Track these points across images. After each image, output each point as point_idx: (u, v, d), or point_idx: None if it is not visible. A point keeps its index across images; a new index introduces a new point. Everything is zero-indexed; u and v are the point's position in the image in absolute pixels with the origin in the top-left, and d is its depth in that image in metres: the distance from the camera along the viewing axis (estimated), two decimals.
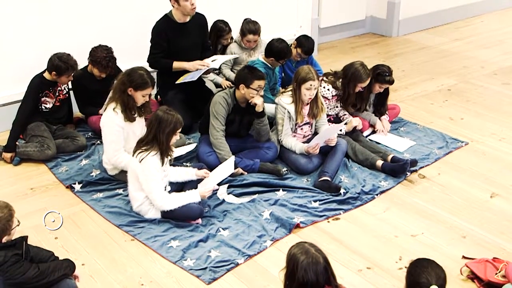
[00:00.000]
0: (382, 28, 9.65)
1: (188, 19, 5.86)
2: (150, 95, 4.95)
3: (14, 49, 5.95)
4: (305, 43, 6.37)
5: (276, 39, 6.00)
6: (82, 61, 5.73)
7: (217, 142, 5.19)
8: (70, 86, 5.85)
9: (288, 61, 6.43)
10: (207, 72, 5.98)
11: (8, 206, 3.41)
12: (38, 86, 5.54)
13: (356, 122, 5.71)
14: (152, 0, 6.56)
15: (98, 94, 5.62)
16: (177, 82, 5.80)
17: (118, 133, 4.84)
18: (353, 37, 9.58)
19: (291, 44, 6.37)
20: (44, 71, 5.56)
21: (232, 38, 6.65)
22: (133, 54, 6.20)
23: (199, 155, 5.27)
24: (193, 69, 5.83)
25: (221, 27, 6.53)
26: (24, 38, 5.97)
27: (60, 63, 5.43)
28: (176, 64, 5.88)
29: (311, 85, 5.13)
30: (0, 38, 5.85)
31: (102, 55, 5.63)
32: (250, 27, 6.39)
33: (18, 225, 3.46)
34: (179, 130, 4.47)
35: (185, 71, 5.87)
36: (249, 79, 5.08)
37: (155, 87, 5.74)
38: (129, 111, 4.86)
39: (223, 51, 6.56)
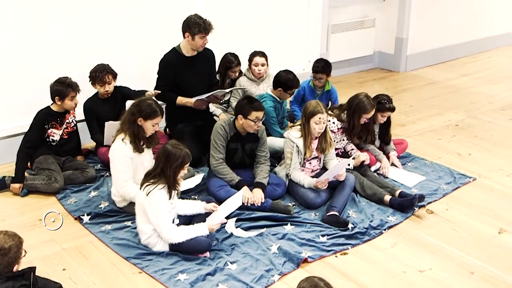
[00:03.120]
0: (390, 63, 9.72)
1: (196, 53, 5.95)
2: (158, 124, 5.00)
3: (20, 81, 6.00)
4: (316, 63, 6.56)
5: (283, 70, 6.12)
6: (89, 94, 5.90)
7: (218, 169, 5.27)
8: (77, 119, 5.91)
9: (311, 91, 6.54)
10: (212, 101, 6.07)
11: (17, 235, 3.44)
12: (44, 116, 5.60)
13: (363, 157, 5.72)
14: (159, 34, 6.67)
15: (108, 120, 5.69)
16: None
17: (127, 163, 4.87)
18: (361, 72, 9.65)
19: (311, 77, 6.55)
20: (52, 104, 5.64)
21: (241, 72, 6.71)
22: (139, 86, 6.20)
23: (209, 189, 5.28)
24: (197, 108, 5.92)
25: (230, 59, 6.60)
26: (30, 71, 6.02)
27: (58, 85, 5.54)
28: (180, 100, 5.95)
29: (320, 118, 5.16)
30: (6, 71, 5.90)
31: (95, 68, 5.87)
32: (256, 51, 6.57)
33: (24, 255, 3.47)
34: (187, 165, 4.48)
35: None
36: (247, 110, 5.13)
37: (164, 120, 5.77)
38: (138, 142, 4.90)
39: (231, 85, 6.61)
